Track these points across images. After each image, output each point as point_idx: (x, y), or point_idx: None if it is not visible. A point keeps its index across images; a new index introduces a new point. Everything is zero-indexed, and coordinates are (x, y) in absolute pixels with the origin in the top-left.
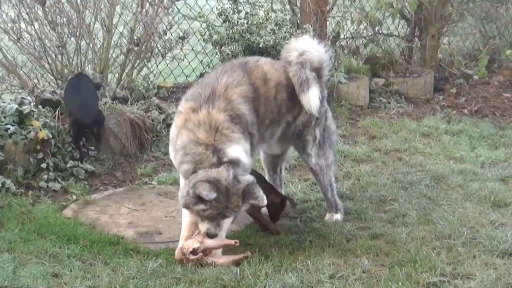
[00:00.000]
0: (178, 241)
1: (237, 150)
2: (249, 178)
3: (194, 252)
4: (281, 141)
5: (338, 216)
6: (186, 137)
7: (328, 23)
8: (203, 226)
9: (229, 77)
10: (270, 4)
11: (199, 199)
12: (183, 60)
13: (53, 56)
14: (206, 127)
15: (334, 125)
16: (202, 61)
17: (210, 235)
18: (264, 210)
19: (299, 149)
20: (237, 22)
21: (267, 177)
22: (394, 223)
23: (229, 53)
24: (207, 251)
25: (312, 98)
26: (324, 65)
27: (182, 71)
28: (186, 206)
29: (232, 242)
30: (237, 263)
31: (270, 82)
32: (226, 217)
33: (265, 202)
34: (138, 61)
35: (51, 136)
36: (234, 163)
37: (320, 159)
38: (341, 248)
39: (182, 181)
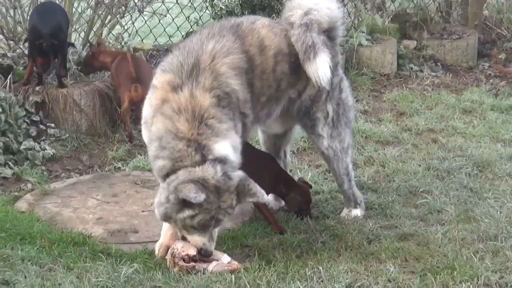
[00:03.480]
0: (157, 241)
1: (225, 146)
2: (240, 173)
3: (186, 259)
4: (284, 118)
5: (357, 212)
6: (163, 126)
7: None
8: (195, 241)
9: (217, 43)
10: None
11: (184, 204)
12: (165, 16)
13: (4, 10)
14: (188, 115)
15: (352, 99)
16: (188, 17)
17: (206, 253)
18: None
19: (307, 129)
20: None
21: None
22: (427, 220)
23: (223, 7)
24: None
25: (320, 68)
26: (337, 25)
27: (164, 29)
28: (167, 217)
29: (236, 266)
30: (231, 272)
31: (268, 51)
32: (219, 222)
33: (266, 197)
34: (109, 17)
35: (0, 110)
36: (221, 161)
37: (334, 141)
38: (361, 252)
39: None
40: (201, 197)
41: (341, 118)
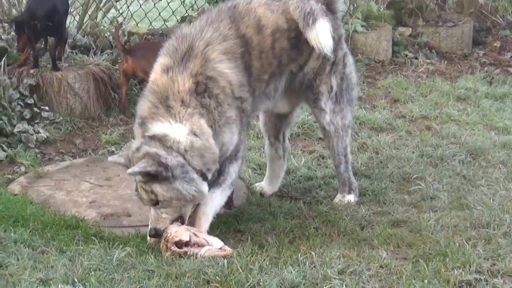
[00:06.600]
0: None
1: (164, 126)
2: (154, 150)
3: (179, 244)
4: (289, 95)
5: (351, 198)
6: (138, 106)
7: None
8: None
9: (215, 31)
10: None
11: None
12: (160, 0)
13: None
14: (155, 96)
15: (355, 77)
16: (184, 1)
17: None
18: None
19: (310, 103)
20: None
21: (266, 146)
22: (420, 207)
23: None
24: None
25: (320, 33)
26: None
27: (159, 14)
28: None
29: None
30: (224, 257)
31: (266, 29)
32: (143, 200)
33: (133, 171)
34: (104, 0)
35: None
36: (156, 138)
37: (336, 117)
38: (354, 237)
39: None
40: (119, 159)
41: (344, 94)
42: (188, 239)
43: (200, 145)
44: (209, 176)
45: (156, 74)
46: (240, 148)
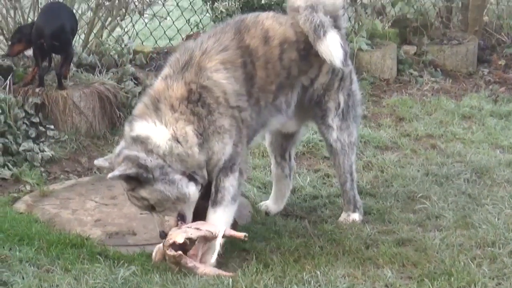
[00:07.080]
0: (156, 243)
1: (147, 127)
2: (134, 153)
3: (174, 246)
4: (298, 113)
5: (356, 216)
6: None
7: None
8: None
9: (216, 41)
10: None
11: None
12: (165, 19)
13: (4, 11)
14: (148, 98)
15: (360, 94)
16: (189, 20)
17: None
18: None
19: (318, 120)
20: None
21: (273, 165)
22: (425, 226)
23: (223, 10)
24: (191, 251)
25: (331, 45)
26: (339, 14)
27: (164, 32)
28: None
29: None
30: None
31: (273, 41)
32: (138, 207)
33: (114, 175)
34: (109, 19)
35: (0, 111)
36: (139, 140)
37: (343, 134)
38: (359, 256)
39: None
40: (104, 163)
41: (350, 111)
42: (182, 241)
43: (180, 152)
44: (198, 178)
45: (156, 81)
46: (236, 160)
